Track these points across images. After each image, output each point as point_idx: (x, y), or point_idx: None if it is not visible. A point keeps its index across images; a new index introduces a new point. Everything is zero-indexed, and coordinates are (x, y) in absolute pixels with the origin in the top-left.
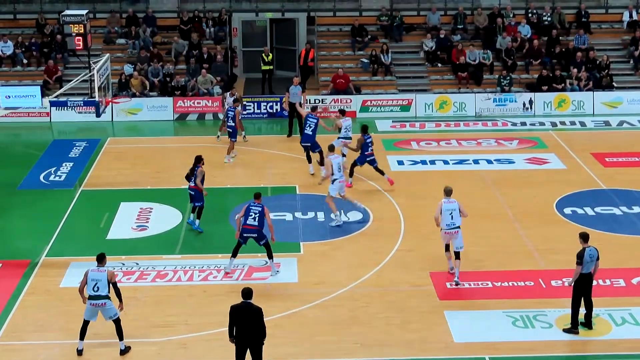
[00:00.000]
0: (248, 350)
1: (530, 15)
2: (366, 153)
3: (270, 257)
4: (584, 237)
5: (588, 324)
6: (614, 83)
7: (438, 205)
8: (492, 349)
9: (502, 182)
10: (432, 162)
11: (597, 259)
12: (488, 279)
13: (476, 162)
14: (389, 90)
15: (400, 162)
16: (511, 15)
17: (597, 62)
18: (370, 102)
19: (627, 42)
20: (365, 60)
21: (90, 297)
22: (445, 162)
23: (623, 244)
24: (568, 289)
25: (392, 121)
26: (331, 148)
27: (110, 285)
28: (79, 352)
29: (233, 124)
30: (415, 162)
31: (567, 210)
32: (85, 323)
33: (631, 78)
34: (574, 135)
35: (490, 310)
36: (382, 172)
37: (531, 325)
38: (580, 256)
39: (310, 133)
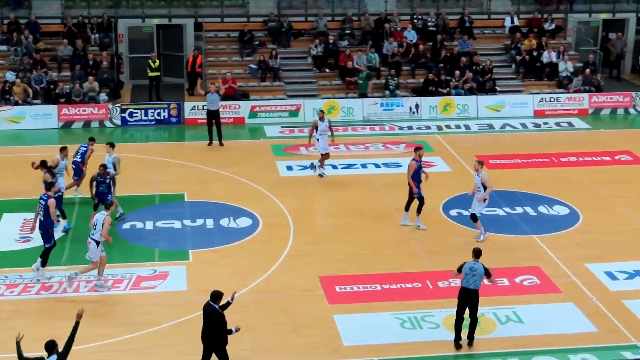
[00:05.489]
0: None
1: (415, 20)
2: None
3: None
4: (475, 253)
5: (470, 337)
6: (496, 87)
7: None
8: (381, 351)
9: (389, 185)
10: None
11: (487, 274)
12: (377, 281)
13: (364, 166)
14: (277, 95)
15: (290, 168)
16: (397, 21)
17: (481, 66)
18: (259, 108)
19: (509, 47)
20: (254, 66)
21: None
22: (334, 167)
23: (507, 244)
24: (455, 290)
25: (281, 127)
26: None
27: None
28: None
29: (79, 161)
30: (304, 167)
31: (453, 212)
32: None
33: (513, 82)
34: (459, 139)
35: (379, 312)
36: None
37: (419, 326)
38: (459, 268)
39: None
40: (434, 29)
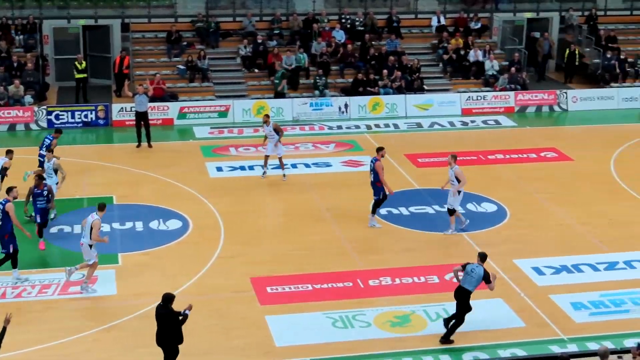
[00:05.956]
0: None
1: (343, 20)
2: None
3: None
4: (480, 257)
5: (448, 333)
6: (424, 86)
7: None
8: (313, 351)
9: (320, 185)
10: (251, 168)
11: (485, 280)
12: (308, 281)
13: (294, 166)
14: (206, 96)
15: (219, 169)
16: (326, 21)
17: (409, 65)
18: (188, 109)
19: (436, 46)
20: (182, 67)
21: None
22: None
23: (436, 242)
24: (385, 288)
25: (210, 127)
26: (454, 158)
27: None
28: None
29: (45, 153)
30: (234, 168)
31: (383, 211)
32: None
33: (441, 81)
34: (388, 138)
35: (311, 312)
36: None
37: (350, 325)
38: (464, 266)
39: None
40: (362, 28)
